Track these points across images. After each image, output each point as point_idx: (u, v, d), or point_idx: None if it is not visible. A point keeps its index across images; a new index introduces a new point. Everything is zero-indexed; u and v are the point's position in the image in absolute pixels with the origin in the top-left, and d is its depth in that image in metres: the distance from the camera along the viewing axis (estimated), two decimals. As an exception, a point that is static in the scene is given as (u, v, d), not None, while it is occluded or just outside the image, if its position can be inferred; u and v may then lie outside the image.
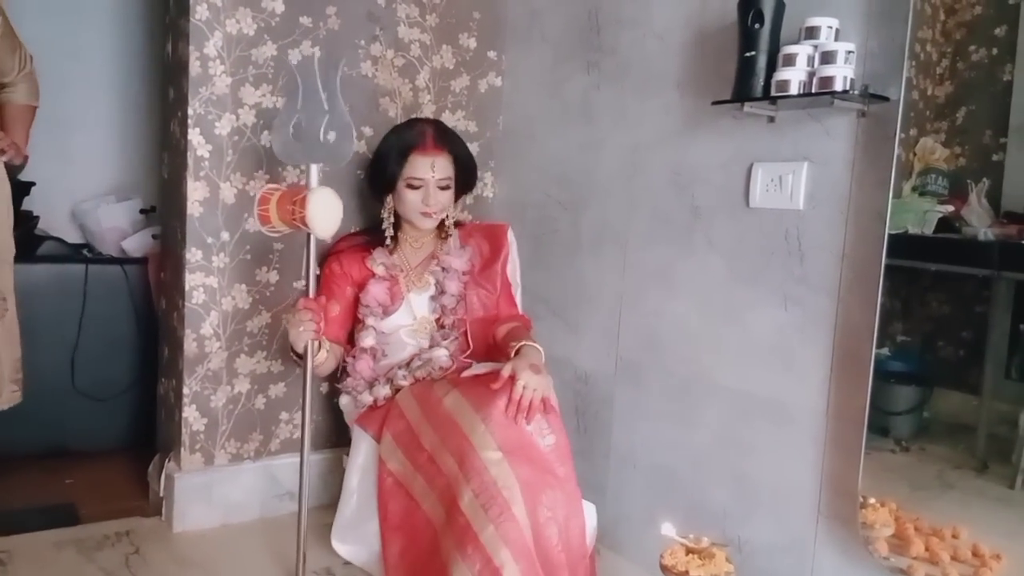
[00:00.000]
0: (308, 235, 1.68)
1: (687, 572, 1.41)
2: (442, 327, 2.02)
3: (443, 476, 1.66)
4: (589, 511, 1.74)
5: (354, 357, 2.00)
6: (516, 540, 1.54)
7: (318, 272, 1.90)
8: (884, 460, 1.59)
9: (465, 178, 2.07)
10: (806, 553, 1.65)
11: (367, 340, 1.99)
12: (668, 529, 1.49)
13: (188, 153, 2.01)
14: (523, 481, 1.61)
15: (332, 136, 1.66)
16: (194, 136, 2.01)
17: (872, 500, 1.53)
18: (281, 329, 2.17)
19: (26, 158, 2.15)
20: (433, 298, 2.03)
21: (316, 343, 1.79)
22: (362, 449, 1.90)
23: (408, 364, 1.97)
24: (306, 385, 1.75)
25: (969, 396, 1.58)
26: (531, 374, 1.70)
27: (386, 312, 2.00)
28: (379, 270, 2.01)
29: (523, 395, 1.68)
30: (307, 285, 1.75)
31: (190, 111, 2.00)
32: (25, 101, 2.10)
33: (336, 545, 1.91)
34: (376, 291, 2.00)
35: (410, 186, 1.97)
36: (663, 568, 1.45)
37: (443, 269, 2.04)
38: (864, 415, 1.51)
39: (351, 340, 2.05)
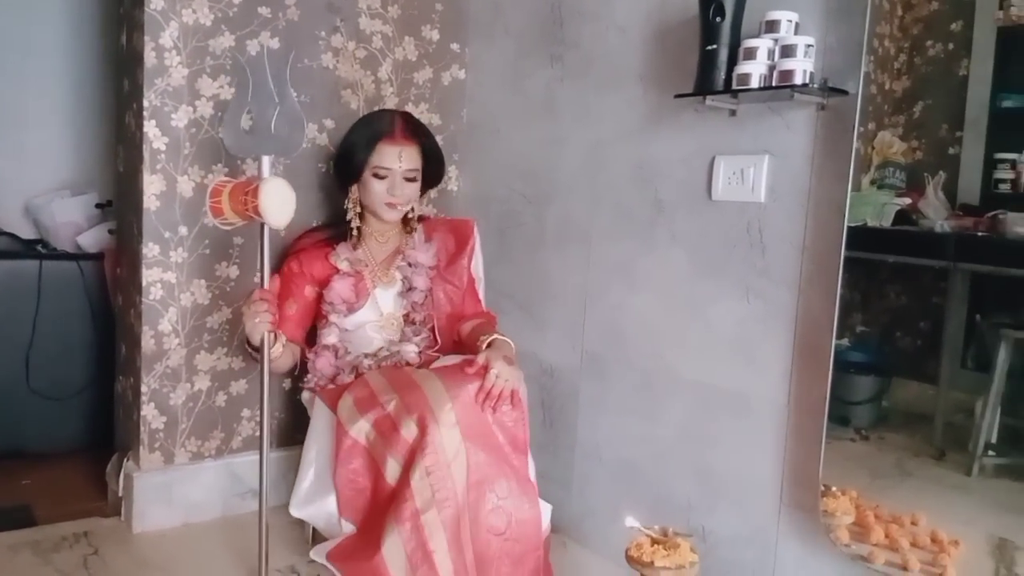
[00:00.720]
0: (262, 226, 1.66)
1: (652, 563, 1.42)
2: (412, 323, 2.00)
3: (405, 443, 1.64)
4: (544, 508, 1.75)
5: (315, 354, 1.96)
6: (453, 529, 1.58)
7: (274, 266, 1.87)
8: (844, 449, 1.61)
9: (432, 171, 2.04)
10: (769, 542, 1.67)
11: (330, 337, 1.96)
12: (632, 521, 1.50)
13: (144, 146, 1.96)
14: (476, 468, 1.63)
15: (283, 128, 1.65)
16: (150, 128, 1.96)
17: (833, 488, 1.55)
18: (241, 327, 2.14)
19: None
20: (401, 294, 2.01)
21: (272, 335, 1.75)
22: (320, 421, 1.87)
23: (375, 354, 1.95)
24: (264, 378, 1.72)
25: (927, 385, 1.60)
26: (504, 365, 1.72)
27: (351, 309, 1.97)
28: (343, 266, 1.98)
29: (495, 384, 1.69)
30: (262, 276, 1.72)
31: (145, 103, 1.95)
32: None
33: (294, 511, 1.86)
34: (340, 287, 1.97)
35: (376, 175, 1.94)
36: (629, 559, 1.45)
37: (409, 264, 2.02)
38: (824, 405, 1.52)
39: (308, 340, 2.01)
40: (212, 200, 1.66)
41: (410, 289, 2.00)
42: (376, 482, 1.69)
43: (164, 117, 1.98)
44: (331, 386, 1.91)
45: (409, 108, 2.38)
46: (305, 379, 1.99)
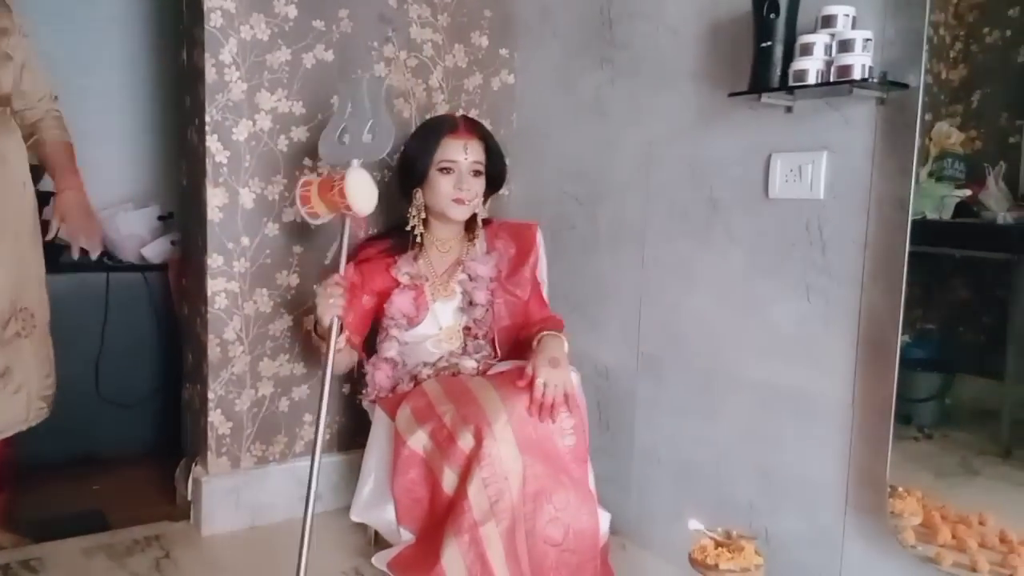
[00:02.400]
0: (344, 217, 1.76)
1: (717, 565, 1.41)
2: (474, 337, 2.00)
3: (462, 454, 1.65)
4: (603, 516, 1.75)
5: (373, 366, 1.98)
6: (509, 541, 1.59)
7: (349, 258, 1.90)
8: (907, 448, 1.58)
9: (495, 169, 2.02)
10: (835, 544, 1.65)
11: (389, 352, 1.97)
12: (695, 524, 1.50)
13: (206, 160, 2.02)
14: (534, 480, 1.63)
15: (372, 136, 1.76)
16: (212, 143, 2.02)
17: (900, 489, 1.52)
18: (303, 330, 2.19)
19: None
20: (461, 309, 2.01)
21: (339, 323, 1.78)
22: (380, 429, 1.89)
23: (434, 364, 1.96)
24: (328, 365, 1.74)
25: (992, 381, 1.56)
26: (549, 369, 1.70)
27: (411, 323, 1.98)
28: (404, 279, 1.98)
29: (544, 393, 1.68)
30: (340, 264, 1.78)
31: (207, 118, 2.01)
32: (63, 137, 2.07)
33: (354, 517, 1.89)
34: (401, 302, 1.97)
35: (443, 170, 1.93)
36: (693, 562, 1.45)
37: (469, 277, 2.01)
38: (891, 404, 1.50)
39: (364, 348, 2.03)
40: (302, 189, 1.79)
41: (471, 303, 2.00)
42: (434, 492, 1.70)
43: (225, 131, 2.03)
44: (390, 395, 1.93)
45: (459, 114, 2.40)
46: (364, 391, 2.01)
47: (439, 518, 1.69)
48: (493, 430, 1.64)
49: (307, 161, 2.14)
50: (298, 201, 1.80)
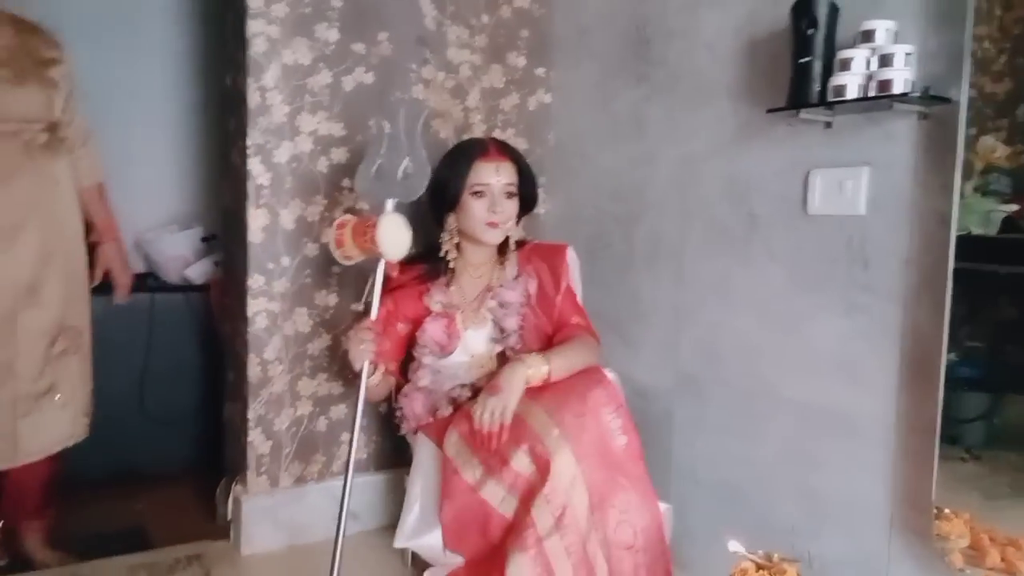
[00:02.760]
0: (378, 259, 1.77)
1: (759, 588, 1.39)
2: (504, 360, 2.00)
3: (516, 474, 1.67)
4: (665, 509, 1.76)
5: (406, 396, 1.98)
6: (579, 554, 1.58)
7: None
8: (954, 469, 1.54)
9: (528, 190, 2.01)
10: (879, 567, 1.61)
11: (422, 381, 1.97)
12: (736, 545, 1.47)
13: (248, 182, 2.06)
14: (595, 488, 1.64)
15: (410, 173, 1.76)
16: (254, 165, 2.06)
17: (947, 511, 1.49)
18: (341, 350, 2.20)
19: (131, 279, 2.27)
20: (494, 340, 2.00)
21: (372, 365, 1.81)
22: (424, 455, 1.88)
23: (471, 384, 1.96)
24: (359, 404, 1.77)
25: (1041, 402, 1.53)
26: (486, 396, 1.74)
27: (444, 351, 1.97)
28: (436, 308, 1.98)
29: (481, 424, 1.72)
30: (370, 307, 1.79)
31: (249, 141, 2.05)
32: (97, 177, 2.15)
33: (398, 545, 1.88)
34: (433, 330, 1.97)
35: (476, 194, 1.92)
36: (734, 585, 1.42)
37: (500, 305, 1.99)
38: (936, 424, 1.47)
39: (402, 372, 2.04)
40: (337, 232, 1.80)
41: (502, 331, 1.98)
42: (487, 515, 1.70)
43: (267, 154, 2.07)
44: (431, 420, 1.93)
45: (496, 134, 2.42)
46: (399, 420, 2.01)
47: (493, 540, 1.69)
48: (547, 445, 1.64)
49: (346, 182, 2.17)
50: (332, 244, 1.81)
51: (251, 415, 2.12)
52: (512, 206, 1.97)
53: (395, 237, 1.74)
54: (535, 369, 1.79)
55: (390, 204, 1.77)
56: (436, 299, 1.98)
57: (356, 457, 2.24)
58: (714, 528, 1.92)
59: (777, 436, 1.82)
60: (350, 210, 2.18)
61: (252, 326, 2.10)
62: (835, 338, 1.69)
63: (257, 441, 2.13)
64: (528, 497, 1.64)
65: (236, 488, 2.18)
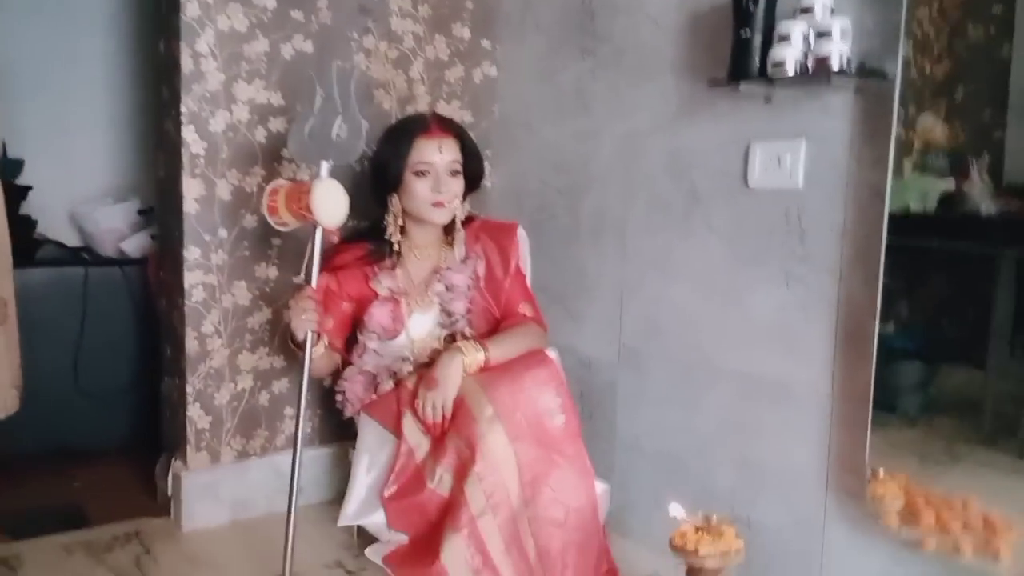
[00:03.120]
0: (315, 227, 1.71)
1: (697, 550, 1.41)
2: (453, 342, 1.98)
3: (452, 455, 1.68)
4: (602, 489, 1.78)
5: (349, 381, 1.95)
6: (511, 531, 1.61)
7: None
8: (892, 435, 1.59)
9: (473, 167, 1.97)
10: (815, 529, 1.66)
11: (367, 365, 1.95)
12: (676, 509, 1.50)
13: (183, 151, 2.00)
14: (528, 467, 1.64)
15: (344, 135, 1.70)
16: (188, 134, 2.00)
17: (881, 474, 1.53)
18: (283, 323, 2.17)
19: None
20: (441, 324, 1.97)
21: (315, 335, 1.77)
22: (368, 434, 1.87)
23: (413, 360, 1.94)
24: (304, 376, 1.74)
25: (975, 372, 1.57)
26: (424, 391, 1.75)
27: (389, 336, 1.94)
28: (384, 292, 1.94)
29: (426, 415, 1.74)
30: (309, 276, 1.74)
31: (183, 109, 1.99)
32: None
33: (342, 523, 1.87)
34: (380, 315, 1.93)
35: (418, 173, 1.87)
36: (673, 548, 1.45)
37: (446, 288, 1.96)
38: (869, 391, 1.51)
39: (347, 350, 2.01)
40: (270, 199, 1.73)
41: (449, 315, 1.96)
42: (425, 495, 1.71)
43: (202, 123, 2.01)
44: (374, 397, 1.91)
45: (441, 106, 2.40)
46: (340, 403, 1.98)
47: (431, 519, 1.69)
48: (480, 425, 1.65)
49: (286, 152, 2.13)
50: (265, 210, 1.75)
51: (189, 390, 2.08)
52: (457, 184, 1.92)
53: (331, 203, 1.68)
54: (471, 357, 1.78)
55: (325, 168, 1.71)
56: (384, 284, 1.94)
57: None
58: (657, 496, 1.95)
59: (717, 406, 1.85)
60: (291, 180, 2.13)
61: (189, 299, 2.05)
62: (773, 309, 1.72)
63: (196, 416, 2.09)
64: (461, 475, 1.65)
65: (175, 464, 2.14)
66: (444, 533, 1.61)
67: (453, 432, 1.70)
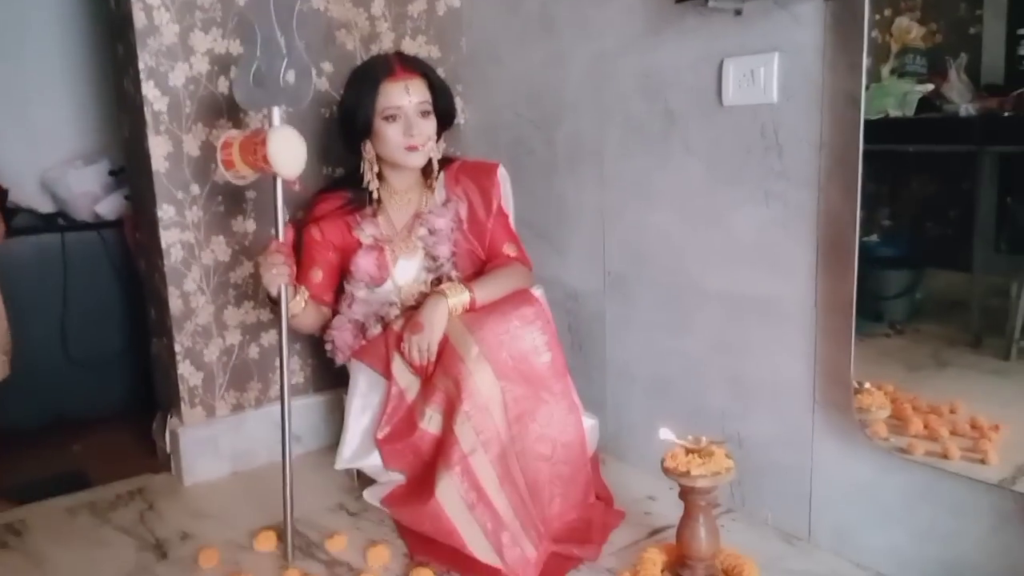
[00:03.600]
0: (275, 178, 1.64)
1: (688, 472, 1.44)
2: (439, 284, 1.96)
3: (440, 393, 1.69)
4: (590, 424, 1.79)
5: (336, 329, 1.93)
6: (502, 466, 1.63)
7: (288, 217, 1.84)
8: (879, 345, 1.61)
9: (443, 104, 1.92)
10: (804, 442, 1.68)
11: (355, 315, 1.93)
12: (666, 433, 1.52)
13: (145, 108, 1.95)
14: (515, 404, 1.66)
15: (292, 77, 1.61)
16: (148, 90, 1.95)
17: (867, 384, 1.55)
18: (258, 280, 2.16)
19: None
20: (427, 269, 1.95)
21: (292, 288, 1.76)
22: (361, 380, 1.87)
23: (400, 303, 1.93)
24: (282, 331, 1.71)
25: (960, 273, 1.58)
26: (409, 335, 1.74)
27: (375, 283, 1.93)
28: (368, 241, 1.91)
29: (413, 358, 1.74)
30: (276, 229, 1.70)
31: (141, 65, 1.93)
32: None
33: (339, 467, 1.89)
34: (365, 263, 1.91)
35: (388, 118, 1.83)
36: (665, 471, 1.47)
37: (429, 232, 1.94)
38: (852, 302, 1.51)
39: (336, 302, 2.00)
40: (223, 153, 1.66)
41: (434, 259, 1.94)
42: (418, 433, 1.72)
43: (161, 77, 1.96)
44: (363, 343, 1.90)
45: (406, 42, 2.33)
46: (331, 351, 1.97)
47: (427, 457, 1.71)
48: (465, 360, 1.65)
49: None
50: (221, 166, 1.69)
51: (178, 348, 2.08)
52: (429, 125, 1.87)
53: (288, 152, 1.61)
54: (456, 298, 1.77)
55: (277, 114, 1.63)
56: (367, 232, 1.92)
57: (294, 381, 2.26)
58: (649, 421, 1.96)
59: (704, 327, 1.86)
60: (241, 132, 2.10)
61: (168, 259, 2.03)
62: (754, 228, 1.71)
63: (187, 374, 2.10)
64: (450, 414, 1.66)
65: (172, 421, 2.15)
66: (438, 471, 1.63)
67: (440, 372, 1.70)
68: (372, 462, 1.80)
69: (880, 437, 1.53)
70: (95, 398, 2.65)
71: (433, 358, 1.74)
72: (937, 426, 1.49)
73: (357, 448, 1.84)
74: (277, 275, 1.69)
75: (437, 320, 1.74)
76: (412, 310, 1.87)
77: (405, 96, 1.83)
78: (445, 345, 1.73)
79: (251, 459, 2.19)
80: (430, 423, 1.70)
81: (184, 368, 2.09)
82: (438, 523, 1.61)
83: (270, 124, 1.64)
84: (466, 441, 1.62)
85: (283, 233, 1.71)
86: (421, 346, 1.73)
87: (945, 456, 1.45)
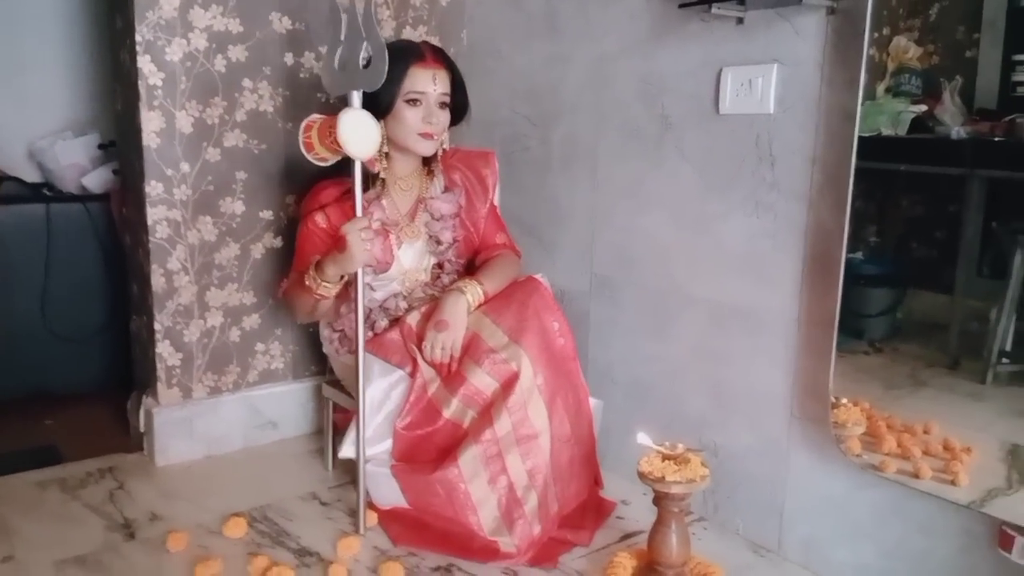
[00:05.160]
0: (352, 160, 1.67)
1: (663, 478, 1.44)
2: (446, 273, 1.98)
3: (476, 390, 1.71)
4: (595, 404, 1.87)
5: (344, 316, 1.92)
6: (539, 464, 1.68)
7: (299, 209, 1.83)
8: (858, 362, 1.61)
9: (460, 100, 1.92)
10: (780, 454, 1.69)
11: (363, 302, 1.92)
12: (643, 438, 1.52)
13: (140, 82, 1.93)
14: (548, 388, 1.72)
15: (367, 61, 1.63)
16: (144, 64, 1.93)
17: (844, 400, 1.55)
18: (251, 259, 2.15)
19: None
20: (431, 252, 1.95)
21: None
22: (375, 373, 1.81)
23: (406, 295, 1.93)
24: (358, 311, 1.70)
25: (942, 295, 1.59)
26: (435, 333, 1.76)
27: (381, 268, 1.90)
28: (375, 225, 1.88)
29: (434, 357, 1.76)
30: (357, 206, 1.69)
31: (138, 38, 1.91)
32: None
33: (343, 455, 1.82)
34: (373, 249, 1.89)
35: (410, 101, 1.81)
36: (640, 475, 1.47)
37: (432, 216, 1.94)
38: (835, 317, 1.51)
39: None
40: (304, 136, 1.69)
41: (438, 243, 1.95)
42: (441, 423, 1.73)
43: (158, 52, 1.94)
44: (371, 334, 1.85)
45: (407, 31, 2.33)
46: (339, 339, 1.96)
47: (443, 445, 1.72)
48: (507, 357, 1.70)
49: (247, 83, 2.07)
50: (302, 148, 1.70)
51: (158, 327, 2.06)
52: (446, 117, 1.88)
53: (359, 134, 1.63)
54: (473, 295, 1.81)
55: (356, 98, 1.64)
56: (375, 216, 1.89)
57: (273, 367, 2.25)
58: (629, 424, 1.96)
59: (687, 334, 1.86)
60: (252, 114, 2.09)
61: (153, 235, 2.01)
62: (743, 237, 1.71)
63: (166, 353, 2.08)
64: (488, 409, 1.69)
65: (147, 401, 2.13)
66: (464, 444, 1.66)
67: (472, 363, 1.72)
68: (378, 450, 1.78)
69: (854, 453, 1.54)
70: (73, 373, 2.62)
71: (457, 355, 1.76)
72: (910, 445, 1.50)
73: (370, 437, 1.78)
74: (368, 251, 1.70)
75: (459, 317, 1.77)
76: (422, 303, 1.87)
77: (431, 84, 1.83)
78: (472, 339, 1.76)
79: (225, 443, 2.18)
80: (455, 412, 1.72)
81: (163, 347, 2.08)
82: (451, 490, 1.64)
83: (346, 107, 1.64)
84: (501, 426, 1.66)
85: (360, 211, 1.71)
86: (446, 343, 1.75)
87: (916, 475, 1.46)
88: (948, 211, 1.54)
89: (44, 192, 2.71)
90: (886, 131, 1.52)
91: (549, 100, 2.16)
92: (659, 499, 1.47)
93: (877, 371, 1.65)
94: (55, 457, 2.16)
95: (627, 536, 1.77)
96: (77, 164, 2.71)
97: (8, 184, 2.66)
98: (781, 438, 1.68)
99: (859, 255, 1.57)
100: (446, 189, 1.97)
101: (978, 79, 1.45)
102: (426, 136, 1.84)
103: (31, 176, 2.80)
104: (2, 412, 2.45)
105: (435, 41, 2.37)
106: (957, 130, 1.44)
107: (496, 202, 2.08)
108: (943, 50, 1.51)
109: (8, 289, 2.13)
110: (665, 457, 1.48)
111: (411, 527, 1.72)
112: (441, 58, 1.88)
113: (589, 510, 1.82)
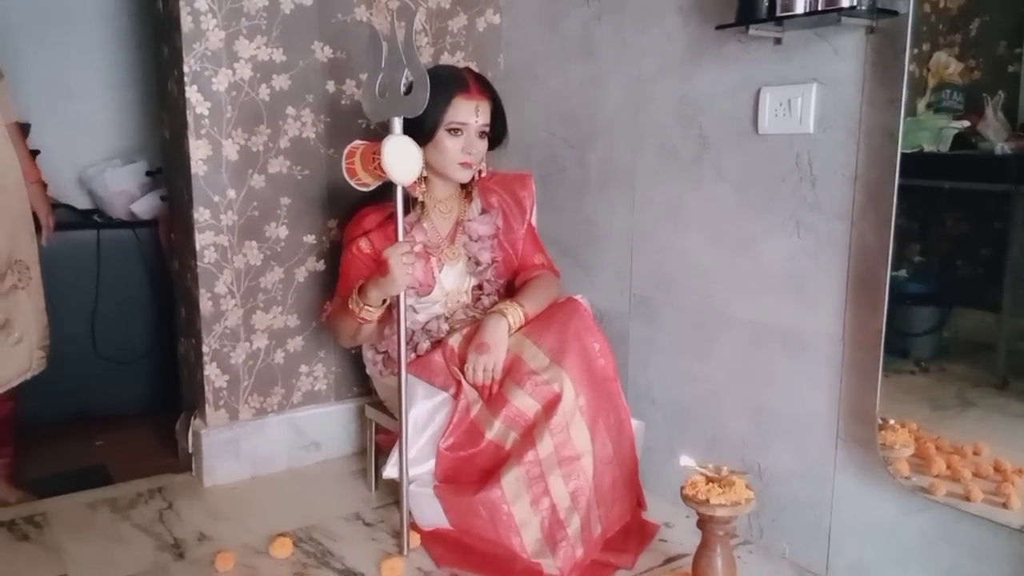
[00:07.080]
0: (393, 185, 1.70)
1: (708, 500, 1.43)
2: (487, 295, 1.99)
3: (517, 411, 1.71)
4: (637, 425, 1.86)
5: (388, 339, 1.94)
6: (582, 485, 1.68)
7: (340, 233, 1.85)
8: (904, 382, 1.58)
9: (499, 130, 1.94)
10: (826, 477, 1.66)
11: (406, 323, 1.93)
12: (687, 460, 1.51)
13: (187, 111, 1.99)
14: (590, 410, 1.71)
15: (407, 88, 1.65)
16: (192, 93, 1.98)
17: (891, 421, 1.53)
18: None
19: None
20: (470, 272, 1.97)
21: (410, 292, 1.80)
22: (419, 395, 1.83)
23: (449, 316, 1.94)
24: (401, 334, 1.73)
25: (989, 314, 1.56)
26: (476, 356, 1.76)
27: (424, 291, 1.92)
28: (417, 248, 1.89)
29: (476, 380, 1.77)
30: (399, 230, 1.72)
31: (186, 68, 1.97)
32: (8, 118, 2.02)
33: (387, 475, 1.84)
34: (416, 272, 1.90)
35: (452, 131, 1.83)
36: (684, 498, 1.46)
37: (471, 238, 1.96)
38: (881, 338, 1.49)
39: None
40: (347, 162, 1.72)
41: (477, 264, 1.97)
42: (483, 444, 1.74)
43: (205, 81, 2.00)
44: (413, 355, 1.88)
45: (444, 57, 2.36)
46: (379, 363, 1.98)
47: (485, 467, 1.73)
48: (548, 380, 1.70)
49: (290, 111, 2.11)
50: (345, 173, 1.73)
51: (206, 350, 2.10)
52: (484, 146, 1.90)
53: (401, 160, 1.65)
54: (514, 317, 1.82)
55: (397, 124, 1.67)
56: (417, 240, 1.91)
57: (316, 388, 2.28)
58: (669, 446, 1.96)
59: (728, 354, 1.85)
60: (295, 141, 2.13)
61: (201, 260, 2.06)
62: (784, 257, 1.71)
63: (213, 375, 2.12)
64: (530, 430, 1.69)
65: (195, 422, 2.17)
66: (506, 465, 1.67)
67: (514, 385, 1.73)
68: (421, 471, 1.79)
69: (902, 475, 1.52)
70: (120, 395, 2.69)
71: (499, 377, 1.77)
72: (960, 467, 1.47)
73: (413, 458, 1.79)
74: (411, 275, 1.72)
75: (500, 340, 1.78)
76: (463, 325, 1.88)
77: (473, 116, 1.84)
78: (514, 361, 1.76)
79: (271, 464, 2.21)
80: (497, 434, 1.73)
81: (210, 370, 2.12)
82: (494, 512, 1.65)
83: (391, 133, 1.67)
84: (544, 448, 1.66)
85: (402, 235, 1.74)
86: (487, 366, 1.76)
87: (967, 498, 1.43)
88: (993, 228, 1.52)
89: (95, 219, 2.79)
90: (928, 148, 1.50)
91: (586, 122, 2.17)
92: (704, 522, 1.46)
93: (923, 391, 1.62)
94: (105, 478, 2.21)
95: (671, 559, 1.76)
96: (126, 191, 2.79)
97: (60, 211, 2.73)
98: (827, 460, 1.66)
99: (903, 273, 1.55)
100: (483, 211, 1.99)
101: (1021, 94, 1.43)
102: (465, 165, 1.86)
103: (81, 203, 2.89)
104: (53, 433, 2.52)
105: (472, 67, 2.40)
106: (1001, 146, 1.42)
107: (534, 223, 2.09)
108: (984, 65, 1.49)
109: (59, 313, 2.20)
110: (709, 480, 1.47)
111: (454, 548, 1.73)
112: (485, 88, 1.89)
113: (632, 532, 1.81)
